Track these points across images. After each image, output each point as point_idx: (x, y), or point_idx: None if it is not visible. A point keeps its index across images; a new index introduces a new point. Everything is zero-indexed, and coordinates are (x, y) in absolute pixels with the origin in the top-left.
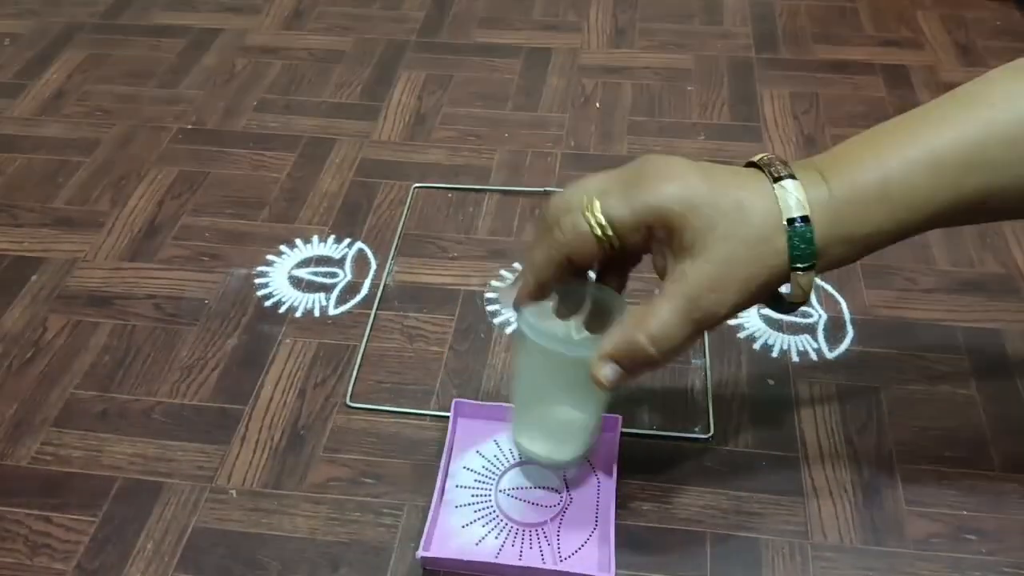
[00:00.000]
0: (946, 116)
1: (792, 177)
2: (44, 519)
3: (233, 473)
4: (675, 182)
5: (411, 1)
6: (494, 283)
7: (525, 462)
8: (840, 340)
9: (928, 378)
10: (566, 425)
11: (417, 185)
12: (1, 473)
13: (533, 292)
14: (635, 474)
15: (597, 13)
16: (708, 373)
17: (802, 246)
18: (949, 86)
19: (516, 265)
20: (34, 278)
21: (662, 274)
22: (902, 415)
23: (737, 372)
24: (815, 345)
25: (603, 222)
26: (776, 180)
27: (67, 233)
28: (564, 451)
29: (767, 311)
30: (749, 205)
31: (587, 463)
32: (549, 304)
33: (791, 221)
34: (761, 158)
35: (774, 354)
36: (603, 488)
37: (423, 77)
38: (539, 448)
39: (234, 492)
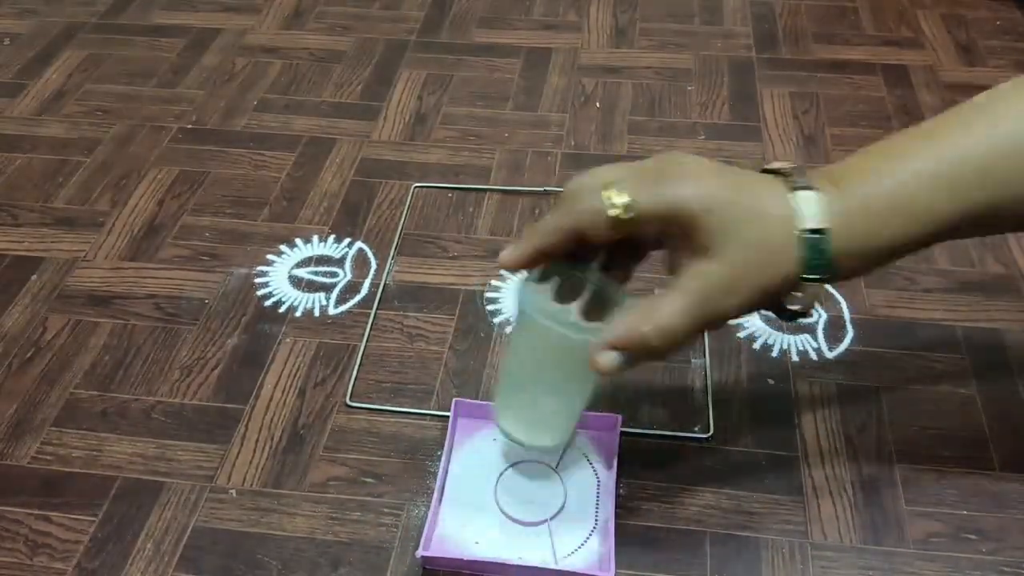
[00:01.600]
0: (957, 130)
1: (810, 188)
2: (44, 519)
3: (233, 473)
4: (696, 182)
5: (411, 1)
6: (494, 283)
7: (524, 460)
8: (840, 340)
9: (928, 378)
10: (554, 410)
11: (417, 185)
12: (1, 473)
13: (533, 255)
14: (635, 474)
15: (597, 13)
16: (708, 373)
17: (817, 257)
18: (949, 86)
19: None
20: (34, 278)
21: (672, 270)
22: (902, 415)
23: (737, 372)
24: (815, 345)
25: (622, 203)
26: (794, 189)
27: (67, 233)
28: (547, 437)
29: (768, 312)
30: (767, 211)
31: (587, 462)
32: (548, 288)
33: (807, 231)
34: (779, 166)
35: (774, 354)
36: (603, 487)
37: (423, 77)
38: (522, 433)
39: (234, 492)
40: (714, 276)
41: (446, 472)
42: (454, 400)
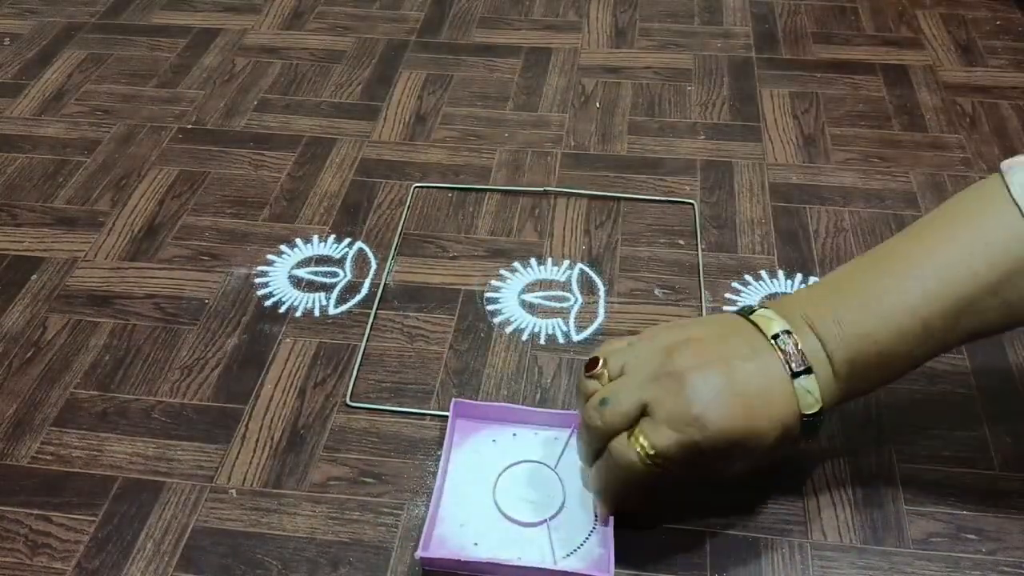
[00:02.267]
0: (917, 279)
1: (807, 372)
2: (44, 519)
3: (233, 473)
4: (723, 407)
5: (411, 1)
6: (494, 283)
7: (524, 461)
8: None
9: (928, 378)
10: None
11: (417, 185)
12: (1, 473)
13: (612, 508)
14: None
15: (597, 13)
16: None
17: (812, 425)
18: (949, 86)
19: (516, 264)
20: (34, 278)
21: None
22: (902, 415)
23: None
24: None
25: (651, 455)
26: (794, 376)
27: (67, 233)
28: None
29: None
30: (769, 390)
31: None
32: None
33: (809, 416)
34: (776, 334)
35: None
36: None
37: (423, 77)
38: None
39: (234, 492)
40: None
41: (445, 472)
42: (453, 401)
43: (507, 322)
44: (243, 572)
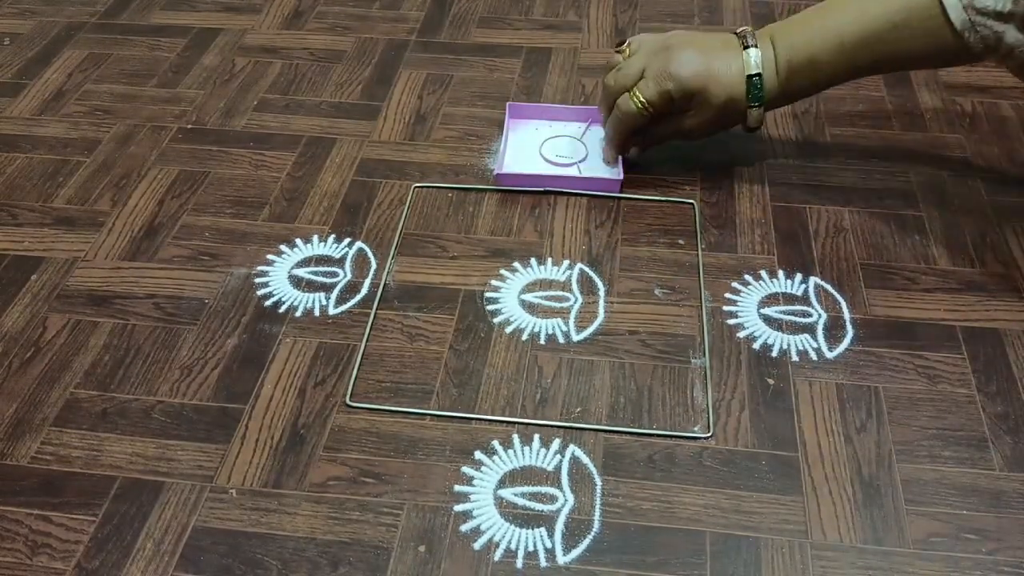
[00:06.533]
0: (849, 9)
1: (755, 47)
2: (44, 519)
3: (233, 473)
4: (690, 67)
5: (411, 1)
6: (494, 282)
7: (557, 136)
8: (840, 340)
9: (928, 378)
10: None
11: (417, 185)
12: (1, 472)
13: (617, 151)
14: (635, 473)
15: (597, 13)
16: (708, 373)
17: (756, 91)
18: (949, 86)
19: (516, 264)
20: (34, 278)
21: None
22: (902, 415)
23: (737, 372)
24: (815, 345)
25: (642, 102)
26: (745, 47)
27: (67, 233)
28: None
29: (766, 311)
30: (728, 68)
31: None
32: None
33: (751, 76)
34: (740, 30)
35: (774, 354)
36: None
37: (423, 77)
38: None
39: (234, 492)
40: (703, 116)
41: (506, 139)
42: (508, 104)
43: (507, 322)
44: (243, 572)
